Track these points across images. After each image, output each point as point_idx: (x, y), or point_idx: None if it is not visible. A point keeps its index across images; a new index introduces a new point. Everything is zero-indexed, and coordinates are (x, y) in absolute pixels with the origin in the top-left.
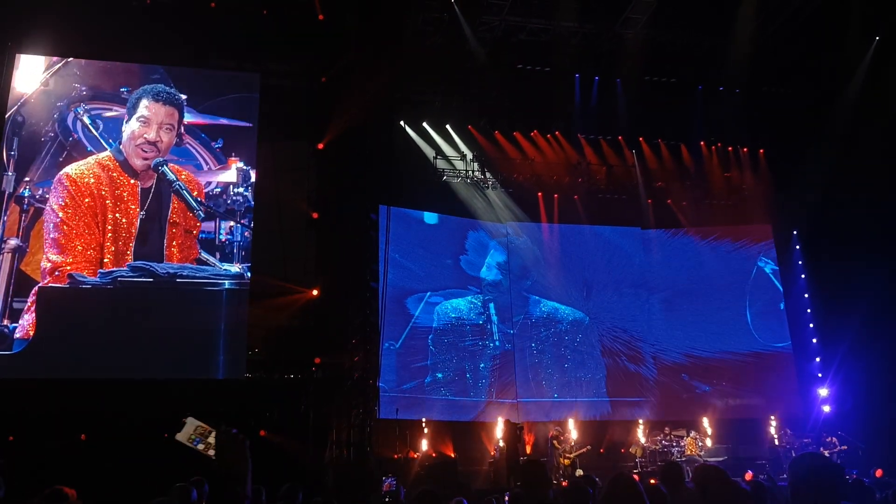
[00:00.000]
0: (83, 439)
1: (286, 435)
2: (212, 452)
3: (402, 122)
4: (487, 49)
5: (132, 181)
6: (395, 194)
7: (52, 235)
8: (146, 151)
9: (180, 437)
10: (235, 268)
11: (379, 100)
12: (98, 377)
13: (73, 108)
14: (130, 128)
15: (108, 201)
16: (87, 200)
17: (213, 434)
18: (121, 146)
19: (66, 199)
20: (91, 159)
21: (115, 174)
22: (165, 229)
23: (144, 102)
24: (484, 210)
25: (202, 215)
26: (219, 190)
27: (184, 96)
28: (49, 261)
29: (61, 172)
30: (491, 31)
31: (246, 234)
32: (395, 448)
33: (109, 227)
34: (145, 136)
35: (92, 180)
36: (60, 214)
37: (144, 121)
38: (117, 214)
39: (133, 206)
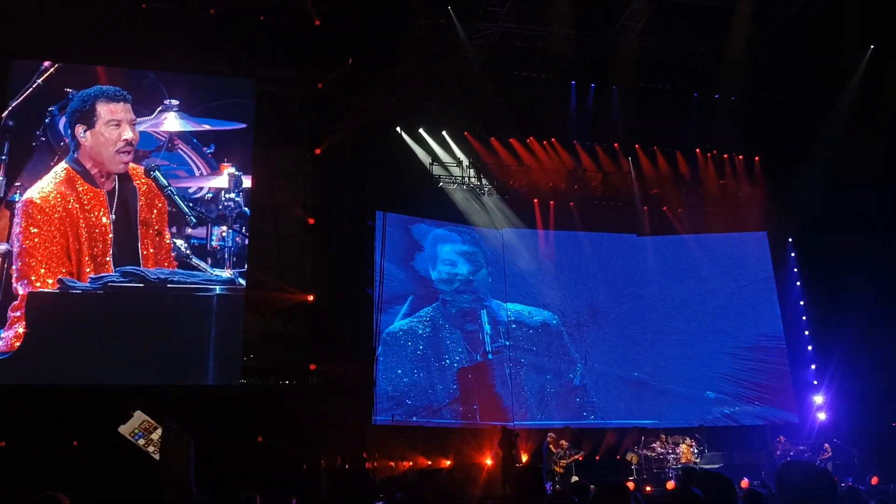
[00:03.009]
0: (75, 445)
1: (281, 441)
2: (152, 449)
3: (398, 129)
4: (483, 56)
5: (96, 189)
6: (392, 200)
7: (18, 264)
8: (127, 153)
9: (123, 429)
10: (227, 273)
11: (375, 106)
12: (88, 382)
13: (63, 112)
14: (99, 134)
15: (78, 214)
16: (56, 219)
17: (158, 431)
18: (78, 157)
19: (33, 227)
20: (50, 178)
21: (79, 186)
22: (138, 231)
23: (104, 106)
24: (480, 216)
25: (193, 220)
26: (210, 195)
27: (176, 101)
28: (17, 293)
29: (24, 198)
30: (487, 38)
31: (237, 239)
32: (390, 455)
33: (84, 240)
34: (123, 137)
35: (58, 197)
36: (26, 243)
37: (116, 123)
38: (91, 224)
39: (104, 215)
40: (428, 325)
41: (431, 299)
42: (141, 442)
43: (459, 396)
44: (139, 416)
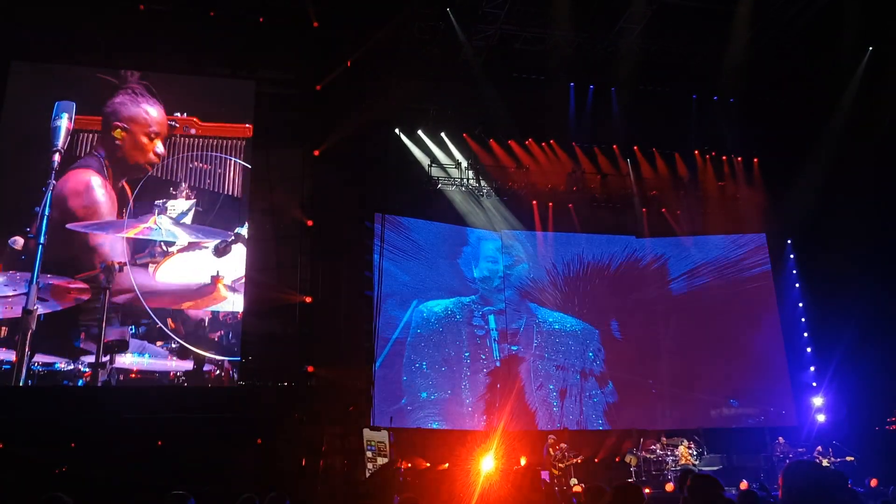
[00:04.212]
0: (73, 447)
1: (280, 443)
2: (369, 466)
3: (396, 130)
4: (482, 57)
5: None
6: (390, 202)
7: None
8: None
9: (366, 431)
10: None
11: (374, 108)
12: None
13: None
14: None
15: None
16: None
17: (385, 461)
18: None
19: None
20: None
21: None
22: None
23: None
24: (478, 218)
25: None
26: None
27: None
28: None
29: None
30: (486, 40)
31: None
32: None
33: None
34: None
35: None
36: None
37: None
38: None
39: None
40: (439, 328)
41: (461, 304)
42: (368, 454)
43: (463, 399)
44: (383, 435)
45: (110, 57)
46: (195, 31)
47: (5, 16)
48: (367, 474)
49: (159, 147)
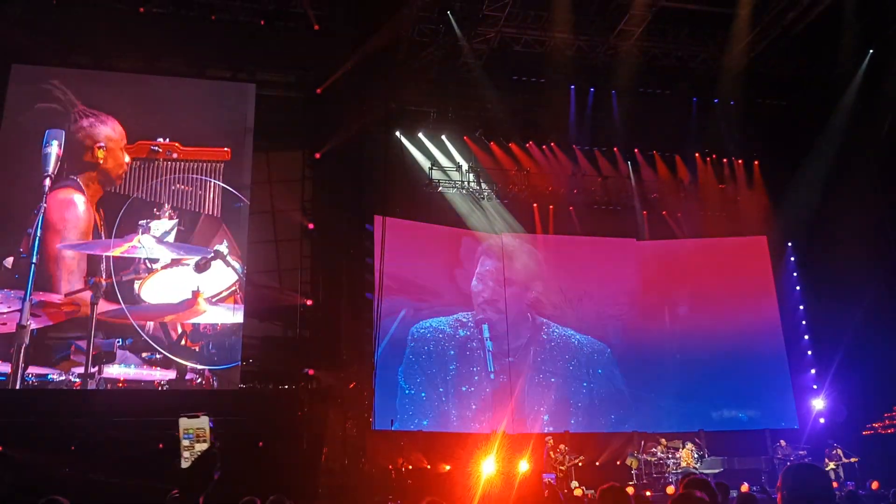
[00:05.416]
0: (73, 450)
1: (281, 446)
2: (187, 455)
3: (397, 133)
4: (483, 60)
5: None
6: (391, 205)
7: None
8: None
9: (183, 421)
10: None
11: (375, 110)
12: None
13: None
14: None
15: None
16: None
17: (204, 446)
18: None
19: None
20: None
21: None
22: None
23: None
24: (479, 221)
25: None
26: None
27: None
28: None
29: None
30: (486, 43)
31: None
32: (390, 459)
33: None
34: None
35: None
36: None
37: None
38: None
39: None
40: (438, 331)
41: (460, 311)
42: (185, 443)
43: (463, 403)
44: (202, 421)
45: (110, 60)
46: (196, 34)
47: (4, 19)
48: (185, 464)
49: (126, 157)
